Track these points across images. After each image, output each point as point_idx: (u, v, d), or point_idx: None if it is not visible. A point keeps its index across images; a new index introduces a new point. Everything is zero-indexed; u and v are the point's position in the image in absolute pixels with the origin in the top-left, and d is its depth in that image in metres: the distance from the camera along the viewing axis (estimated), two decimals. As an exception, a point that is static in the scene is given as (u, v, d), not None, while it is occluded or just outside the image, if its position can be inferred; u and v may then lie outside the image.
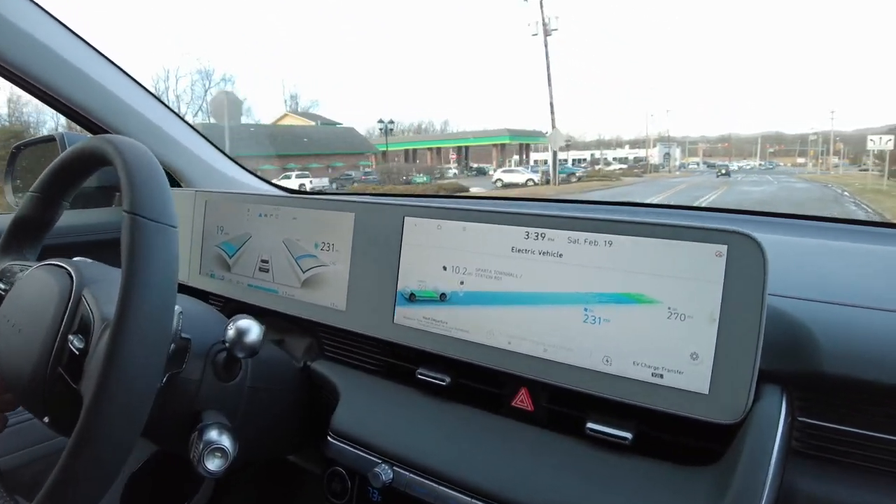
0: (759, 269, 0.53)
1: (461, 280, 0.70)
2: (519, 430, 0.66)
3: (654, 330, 0.58)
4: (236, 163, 1.48)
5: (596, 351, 0.61)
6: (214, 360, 0.68)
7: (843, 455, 0.53)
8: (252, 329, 0.64)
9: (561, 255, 0.63)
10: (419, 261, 0.73)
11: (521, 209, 0.66)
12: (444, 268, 0.71)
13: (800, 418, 0.55)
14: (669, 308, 0.57)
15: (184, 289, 1.09)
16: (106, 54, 1.21)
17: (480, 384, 0.71)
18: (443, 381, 0.71)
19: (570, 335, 0.62)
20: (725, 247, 0.55)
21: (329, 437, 0.72)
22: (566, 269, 0.63)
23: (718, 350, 0.54)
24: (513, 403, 0.68)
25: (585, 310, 0.61)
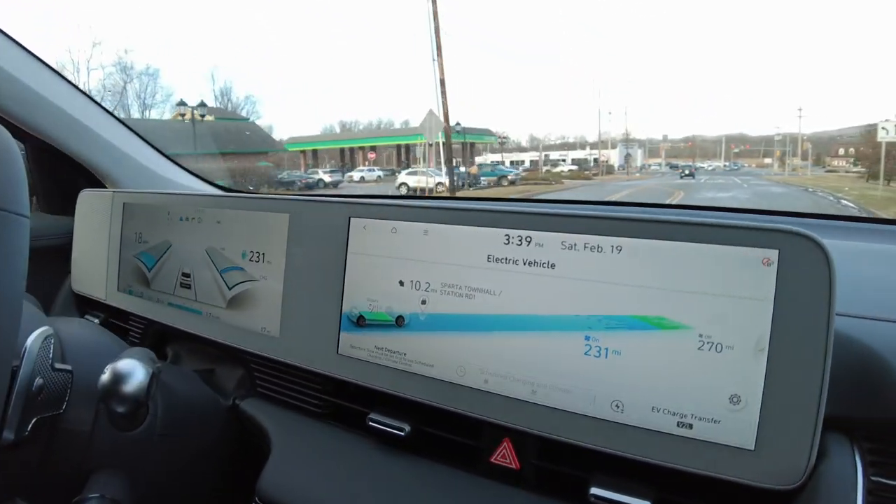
0: (824, 280, 0.39)
1: (423, 299, 0.54)
2: (500, 493, 0.51)
3: (681, 365, 0.43)
4: (174, 162, 1.30)
5: (602, 393, 0.46)
6: None
7: None
8: (134, 374, 0.48)
9: (553, 266, 0.48)
10: (369, 274, 0.57)
11: (501, 207, 0.51)
12: (401, 283, 0.55)
13: (873, 478, 0.41)
14: (701, 336, 0.42)
15: (101, 307, 0.92)
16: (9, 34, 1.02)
17: (450, 434, 0.55)
18: (401, 430, 0.55)
19: (568, 372, 0.47)
20: (776, 252, 0.41)
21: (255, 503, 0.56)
22: (560, 284, 0.47)
23: (768, 391, 0.40)
24: (492, 459, 0.52)
25: (587, 339, 0.46)
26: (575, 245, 0.47)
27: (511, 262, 0.49)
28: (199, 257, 0.75)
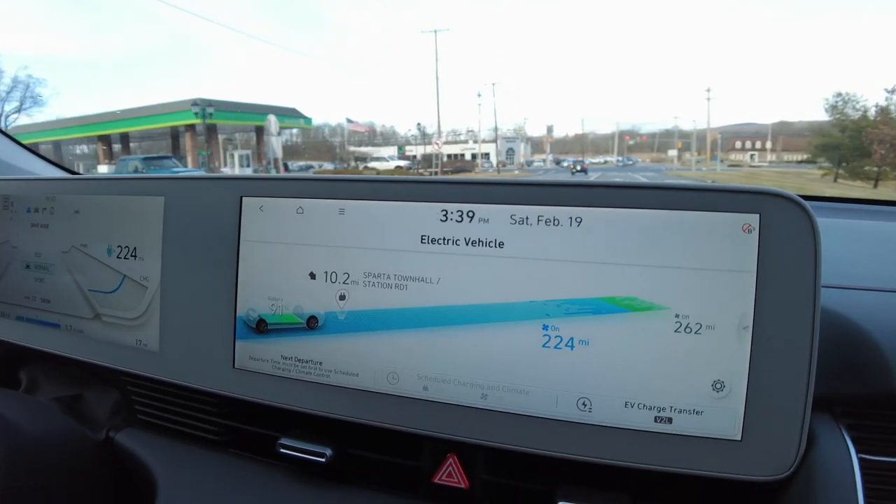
0: (809, 247, 0.35)
1: (341, 293, 0.44)
2: None
3: (657, 351, 0.37)
4: (15, 141, 1.07)
5: (566, 391, 0.38)
6: None
7: None
8: None
9: (501, 245, 0.40)
10: (270, 267, 0.46)
11: (435, 178, 0.42)
12: (312, 275, 0.45)
13: (861, 455, 0.37)
14: (678, 316, 0.36)
15: None
16: None
17: (381, 455, 0.46)
18: (321, 455, 0.45)
19: (524, 370, 0.39)
20: (757, 217, 0.35)
21: None
22: (511, 265, 0.39)
23: (753, 374, 0.36)
24: (436, 479, 0.44)
25: (546, 328, 0.39)
26: (527, 219, 0.39)
27: (450, 242, 0.41)
28: (53, 257, 0.60)
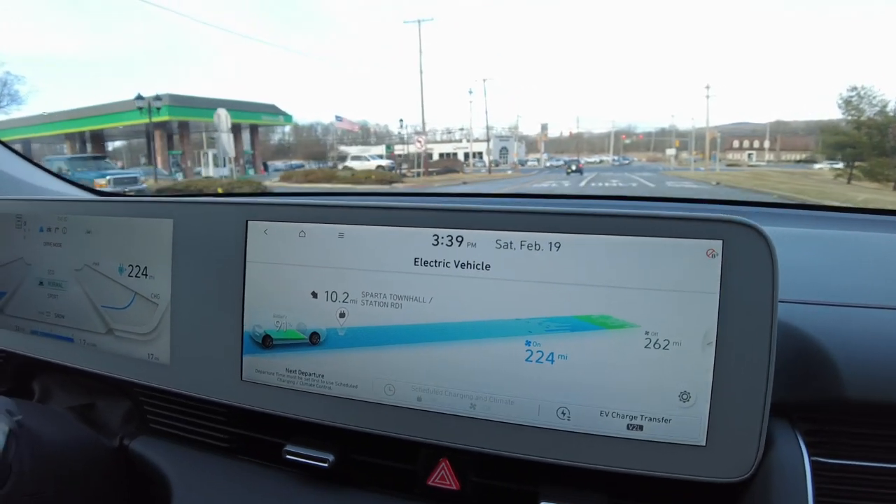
0: (767, 269, 0.38)
1: (341, 311, 0.47)
2: None
3: (629, 365, 0.40)
4: (31, 161, 1.10)
5: (547, 401, 0.42)
6: None
7: (868, 499, 0.40)
8: None
9: (488, 267, 0.43)
10: (274, 286, 0.50)
11: (426, 203, 0.45)
12: (314, 294, 0.48)
13: (813, 458, 0.41)
14: (647, 333, 0.40)
15: None
16: None
17: (380, 459, 0.49)
18: (324, 460, 0.49)
19: (509, 382, 0.43)
20: (720, 242, 0.39)
21: None
22: (497, 286, 0.43)
23: (717, 385, 0.39)
24: (430, 482, 0.48)
25: (528, 344, 0.42)
26: (511, 243, 0.43)
27: (441, 264, 0.44)
28: (66, 275, 0.63)
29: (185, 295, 0.54)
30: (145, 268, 0.57)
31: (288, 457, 0.50)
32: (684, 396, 0.40)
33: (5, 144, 1.06)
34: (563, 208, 0.42)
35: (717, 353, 0.39)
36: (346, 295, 0.47)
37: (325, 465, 0.48)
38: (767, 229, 0.39)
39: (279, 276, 0.49)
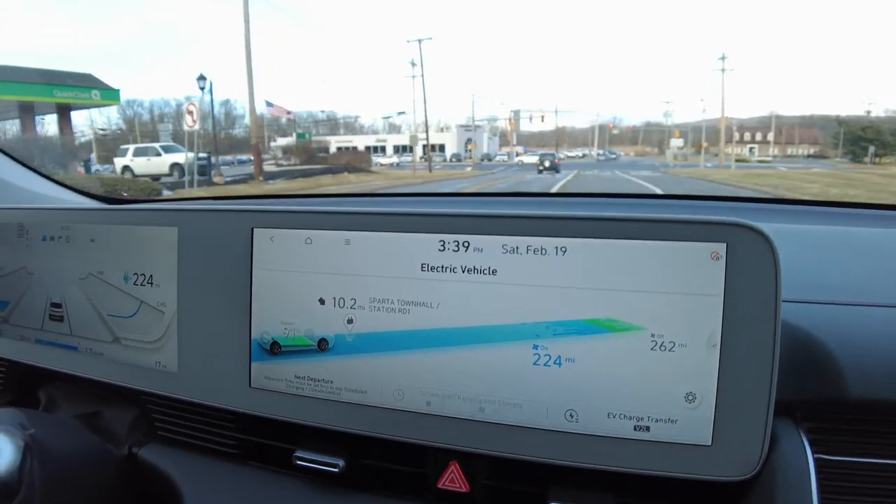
0: (770, 271, 0.39)
1: (349, 317, 0.48)
2: None
3: (635, 367, 0.41)
4: (27, 166, 1.09)
5: (555, 404, 0.43)
6: None
7: (872, 495, 0.41)
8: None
9: (495, 272, 0.44)
10: (282, 293, 0.50)
11: (433, 209, 0.46)
12: (322, 301, 0.48)
13: (817, 455, 0.41)
14: (653, 335, 0.41)
15: None
16: None
17: (390, 463, 0.50)
18: (334, 466, 0.49)
19: (517, 385, 0.43)
20: (724, 245, 0.39)
21: None
22: (503, 291, 0.43)
23: (721, 386, 0.40)
24: (440, 485, 0.48)
25: (536, 347, 0.43)
26: (517, 248, 0.43)
27: (448, 270, 0.45)
28: (70, 284, 0.63)
29: (191, 303, 0.55)
30: (151, 276, 0.58)
31: (298, 462, 0.50)
32: (690, 397, 0.40)
33: (5, 152, 1.06)
34: (568, 213, 0.43)
35: (722, 355, 0.40)
36: (353, 301, 0.47)
37: (336, 470, 0.49)
38: (770, 227, 0.39)
39: (286, 283, 0.50)
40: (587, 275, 0.42)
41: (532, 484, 0.46)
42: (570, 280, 0.42)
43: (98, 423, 0.66)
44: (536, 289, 0.43)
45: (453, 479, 0.48)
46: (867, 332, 0.44)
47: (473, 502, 0.47)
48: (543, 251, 0.43)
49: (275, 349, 0.50)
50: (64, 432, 0.58)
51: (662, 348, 0.40)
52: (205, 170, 12.77)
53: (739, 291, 0.39)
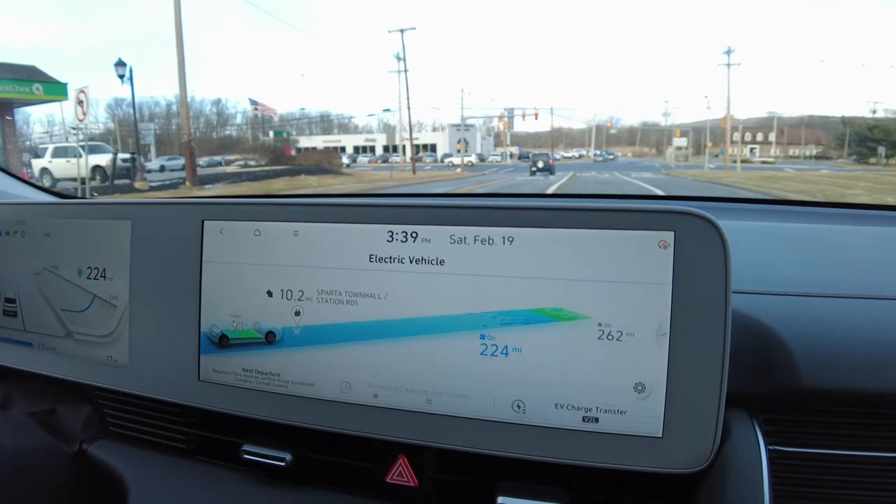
0: (720, 260, 0.38)
1: (296, 309, 0.47)
2: None
3: (582, 357, 0.40)
4: None
5: (502, 395, 0.42)
6: None
7: (825, 486, 0.41)
8: None
9: (442, 262, 0.43)
10: (230, 286, 0.49)
11: (383, 201, 0.45)
12: (270, 293, 0.48)
13: (771, 447, 0.41)
14: (600, 325, 0.40)
15: None
16: None
17: (338, 457, 0.49)
18: (281, 459, 0.48)
19: (464, 376, 0.43)
20: (672, 234, 0.39)
21: None
22: (451, 281, 0.43)
23: (671, 376, 0.39)
24: (388, 479, 0.47)
25: (483, 338, 0.42)
26: (465, 238, 0.42)
27: (396, 260, 0.44)
28: (25, 279, 0.62)
29: (143, 296, 0.54)
30: (104, 270, 0.56)
31: (245, 456, 0.49)
32: (639, 388, 0.40)
33: None
34: (516, 202, 0.42)
35: (672, 345, 0.39)
36: (301, 293, 0.46)
37: (283, 464, 0.48)
38: (730, 223, 0.39)
39: (235, 275, 0.49)
40: (534, 264, 0.41)
41: (481, 477, 0.45)
42: (518, 270, 0.41)
43: (51, 420, 0.65)
44: (484, 279, 0.42)
45: (401, 473, 0.47)
46: (822, 321, 0.44)
47: (422, 497, 0.46)
48: (491, 241, 0.42)
49: (223, 342, 0.49)
50: (15, 431, 0.57)
51: (610, 337, 0.40)
52: (128, 173, 11.48)
53: (688, 280, 0.39)
